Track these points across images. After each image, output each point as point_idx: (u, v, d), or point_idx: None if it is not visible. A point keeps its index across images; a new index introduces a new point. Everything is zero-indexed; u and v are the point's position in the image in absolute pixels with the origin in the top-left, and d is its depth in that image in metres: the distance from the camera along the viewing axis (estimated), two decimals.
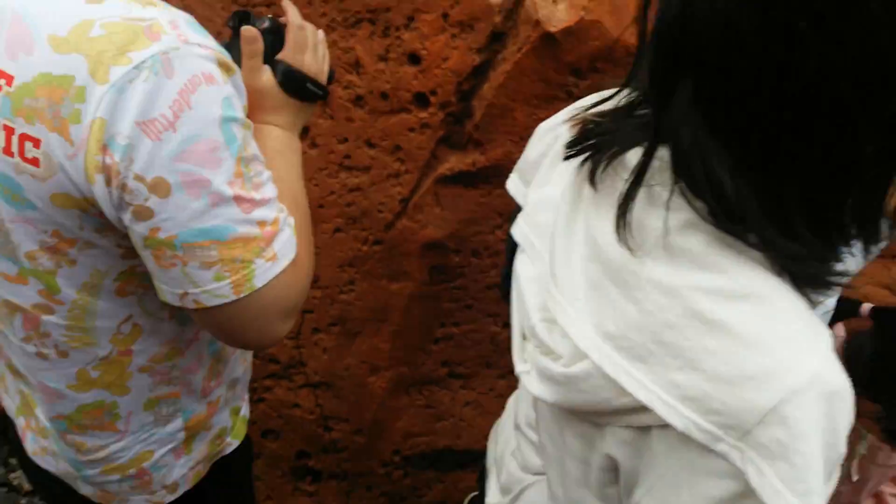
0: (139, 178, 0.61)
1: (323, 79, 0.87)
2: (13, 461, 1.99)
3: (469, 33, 1.25)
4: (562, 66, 1.26)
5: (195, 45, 0.63)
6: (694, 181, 0.48)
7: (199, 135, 0.61)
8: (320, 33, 0.88)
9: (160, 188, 0.62)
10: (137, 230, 0.65)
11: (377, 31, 1.31)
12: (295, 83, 0.83)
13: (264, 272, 0.68)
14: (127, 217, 0.64)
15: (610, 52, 1.24)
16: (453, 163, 1.38)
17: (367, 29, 1.31)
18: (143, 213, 0.63)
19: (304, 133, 1.44)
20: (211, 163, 0.62)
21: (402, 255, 1.47)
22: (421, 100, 1.33)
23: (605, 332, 0.51)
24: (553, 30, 1.22)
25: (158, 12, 0.64)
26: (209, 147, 0.62)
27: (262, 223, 0.67)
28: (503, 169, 1.34)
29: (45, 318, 0.75)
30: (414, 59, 1.30)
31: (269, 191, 0.69)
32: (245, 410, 0.99)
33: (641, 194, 0.51)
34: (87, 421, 0.82)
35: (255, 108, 0.80)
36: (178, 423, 0.87)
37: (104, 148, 0.61)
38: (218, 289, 0.67)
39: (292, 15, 0.84)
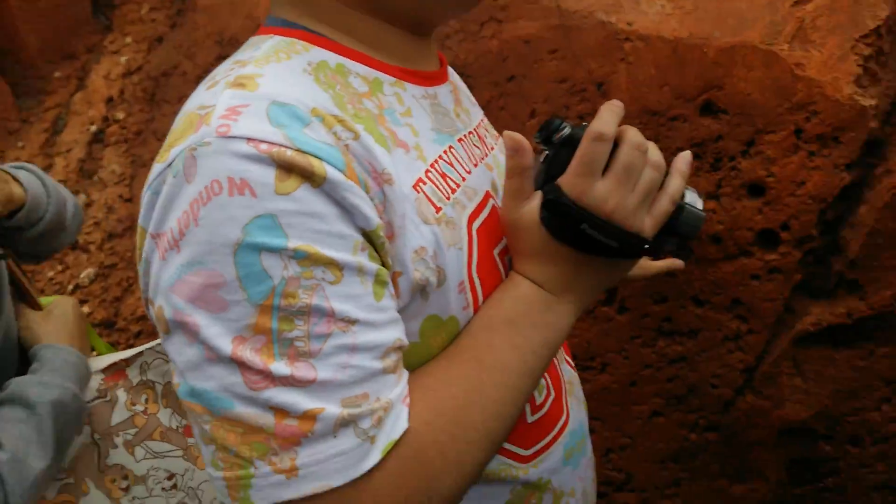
0: (150, 303, 0.51)
1: (638, 224, 0.57)
2: None
3: (833, 148, 1.00)
4: None
5: (240, 138, 0.46)
6: None
7: (201, 262, 0.46)
8: (653, 153, 0.59)
9: (160, 320, 0.49)
10: None
11: (704, 165, 1.09)
12: (564, 221, 0.56)
13: (267, 488, 0.46)
14: None
15: None
16: (818, 315, 1.06)
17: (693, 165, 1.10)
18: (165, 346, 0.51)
19: (611, 296, 1.21)
20: (207, 303, 0.46)
21: (748, 444, 1.13)
22: (767, 239, 1.06)
23: None
24: None
25: (235, 96, 0.49)
26: (208, 281, 0.46)
27: (281, 412, 0.46)
28: (893, 319, 1.01)
29: None
30: (756, 190, 1.06)
31: (329, 370, 0.46)
32: None
33: None
34: None
35: (512, 251, 0.61)
36: None
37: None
38: (215, 480, 0.48)
39: (596, 121, 0.57)
